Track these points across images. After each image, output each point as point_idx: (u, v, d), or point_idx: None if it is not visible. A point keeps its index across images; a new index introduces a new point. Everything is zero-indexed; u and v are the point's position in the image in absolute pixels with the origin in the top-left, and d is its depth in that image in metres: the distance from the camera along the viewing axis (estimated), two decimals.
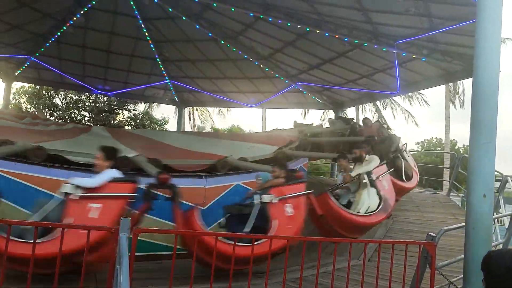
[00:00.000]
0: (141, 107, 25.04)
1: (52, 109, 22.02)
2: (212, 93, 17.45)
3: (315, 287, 4.30)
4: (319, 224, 7.15)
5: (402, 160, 9.53)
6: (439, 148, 37.96)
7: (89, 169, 6.02)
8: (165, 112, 49.72)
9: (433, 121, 69.03)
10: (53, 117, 21.87)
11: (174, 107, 23.77)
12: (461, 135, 59.97)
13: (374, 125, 11.11)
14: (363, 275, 4.47)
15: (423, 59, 10.33)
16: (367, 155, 7.99)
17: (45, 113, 21.90)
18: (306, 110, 26.55)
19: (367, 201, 7.33)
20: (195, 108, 28.49)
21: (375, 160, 7.84)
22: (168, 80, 16.76)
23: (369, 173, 7.45)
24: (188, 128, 30.66)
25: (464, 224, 4.39)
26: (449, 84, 25.52)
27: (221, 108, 29.41)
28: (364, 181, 7.39)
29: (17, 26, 12.63)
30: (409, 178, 9.52)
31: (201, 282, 5.13)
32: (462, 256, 4.42)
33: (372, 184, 7.42)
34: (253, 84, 15.97)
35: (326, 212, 6.89)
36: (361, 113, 26.86)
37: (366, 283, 4.69)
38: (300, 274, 4.34)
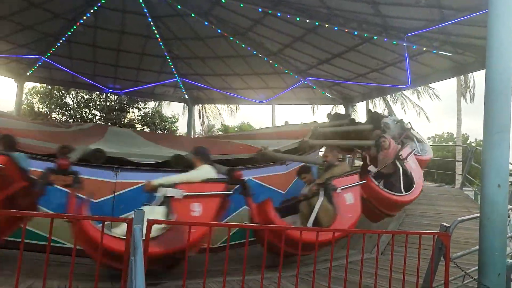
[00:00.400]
0: (151, 105, 25.12)
1: (64, 108, 22.18)
2: (221, 90, 17.46)
3: (329, 280, 4.29)
4: None
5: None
6: (450, 143, 37.58)
7: None
8: (175, 110, 49.98)
9: (444, 117, 68.46)
10: (65, 117, 22.06)
11: (183, 104, 23.92)
12: (472, 129, 59.47)
13: (393, 147, 8.47)
14: (377, 268, 4.45)
15: (434, 51, 10.23)
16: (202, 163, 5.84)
17: (57, 113, 22.12)
18: (315, 105, 26.51)
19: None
20: (204, 105, 28.58)
21: (198, 172, 5.70)
22: (177, 78, 16.81)
23: (170, 186, 5.38)
24: (198, 125, 30.81)
25: (478, 215, 4.36)
26: (461, 77, 25.33)
27: (230, 105, 29.52)
28: (157, 194, 5.43)
29: (29, 27, 12.72)
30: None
31: (214, 275, 5.16)
32: (477, 247, 4.39)
33: (164, 202, 5.32)
34: (263, 80, 15.95)
35: None
36: (371, 108, 26.69)
37: (380, 276, 4.68)
38: (314, 267, 4.34)
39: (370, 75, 13.14)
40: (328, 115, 13.93)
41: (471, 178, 12.61)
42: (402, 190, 7.80)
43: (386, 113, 12.26)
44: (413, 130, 10.20)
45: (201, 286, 3.92)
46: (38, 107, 22.15)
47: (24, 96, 20.05)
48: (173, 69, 16.07)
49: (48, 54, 14.52)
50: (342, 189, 6.46)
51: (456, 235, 6.78)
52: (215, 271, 5.18)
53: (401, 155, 8.05)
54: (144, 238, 3.11)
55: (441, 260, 4.45)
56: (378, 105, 26.90)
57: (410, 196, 7.92)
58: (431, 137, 43.02)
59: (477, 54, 9.66)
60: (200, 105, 26.53)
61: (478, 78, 26.81)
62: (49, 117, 21.68)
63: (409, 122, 10.11)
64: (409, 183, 7.99)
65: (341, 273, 5.25)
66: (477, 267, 4.37)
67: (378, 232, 4.64)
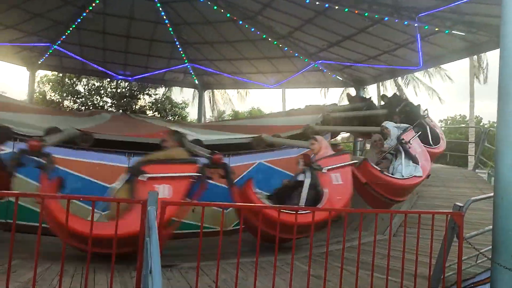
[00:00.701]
0: (162, 91, 25.14)
1: (75, 96, 22.30)
2: (231, 75, 17.43)
3: (341, 261, 4.31)
4: None
5: None
6: (463, 126, 37.18)
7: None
8: (186, 96, 49.97)
9: (457, 99, 67.60)
10: (77, 104, 22.21)
11: (194, 90, 23.91)
12: (486, 112, 58.67)
13: (323, 154, 6.93)
14: (389, 248, 4.45)
15: (447, 31, 10.06)
16: None
17: (69, 100, 22.27)
18: (326, 88, 26.38)
19: None
20: (215, 91, 28.58)
21: None
22: (187, 64, 16.80)
23: None
24: (208, 111, 30.82)
25: (492, 194, 4.32)
26: (473, 58, 24.95)
27: (240, 90, 29.49)
28: None
29: (39, 15, 12.78)
30: None
31: (228, 257, 5.22)
32: (491, 227, 4.37)
33: None
34: (273, 64, 15.88)
35: None
36: (382, 91, 26.49)
37: (392, 257, 4.68)
38: (326, 249, 4.36)
39: (381, 57, 13.00)
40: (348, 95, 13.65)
41: (485, 160, 12.47)
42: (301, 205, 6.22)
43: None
44: (411, 145, 8.10)
45: (215, 267, 3.96)
46: (50, 95, 22.30)
47: (36, 84, 20.20)
48: (183, 55, 16.07)
49: (59, 42, 14.59)
50: (151, 177, 5.34)
51: (469, 216, 6.75)
52: (229, 253, 5.24)
53: (317, 164, 6.49)
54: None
55: (454, 240, 4.44)
56: (389, 88, 26.68)
57: (304, 217, 5.33)
58: (443, 120, 42.56)
59: (491, 33, 9.48)
60: (210, 90, 26.57)
61: (492, 58, 26.45)
62: (61, 105, 21.84)
63: (413, 134, 8.38)
64: (315, 200, 6.29)
65: (353, 254, 5.27)
66: (490, 247, 4.36)
67: (390, 212, 4.59)
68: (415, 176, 7.75)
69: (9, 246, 3.08)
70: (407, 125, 8.62)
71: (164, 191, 5.20)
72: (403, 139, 7.99)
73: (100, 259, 4.87)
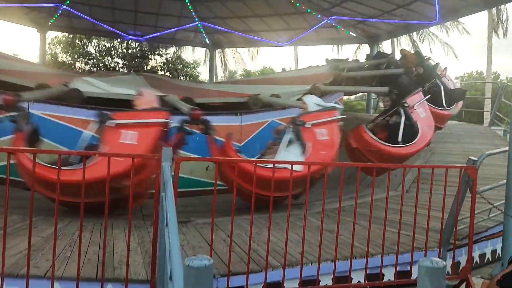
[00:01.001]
0: (172, 51, 24.97)
1: (87, 57, 22.29)
2: (242, 33, 17.12)
3: (354, 215, 4.36)
4: None
5: None
6: (480, 81, 36.38)
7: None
8: (197, 56, 49.56)
9: (474, 54, 65.87)
10: (88, 66, 22.22)
11: (205, 50, 23.68)
12: (504, 68, 57.18)
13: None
14: (402, 203, 4.47)
15: None
16: None
17: (80, 62, 22.28)
18: (339, 45, 25.88)
19: None
20: (226, 51, 28.26)
21: None
22: (198, 22, 16.52)
23: None
24: (220, 71, 30.59)
25: (506, 149, 4.29)
26: (493, 11, 24.11)
27: (251, 49, 29.09)
28: None
29: None
30: None
31: (242, 213, 5.32)
32: (504, 181, 4.36)
33: None
34: (284, 21, 15.54)
35: None
36: (396, 48, 25.90)
37: (405, 212, 4.72)
38: (339, 204, 4.40)
39: (396, 11, 12.57)
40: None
41: (501, 116, 12.23)
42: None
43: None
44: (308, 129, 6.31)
45: (229, 223, 4.04)
46: (61, 57, 22.31)
47: (47, 46, 20.18)
48: (193, 13, 15.76)
49: (68, 2, 14.41)
50: None
51: (484, 171, 6.74)
52: (243, 210, 5.33)
53: (108, 115, 5.30)
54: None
55: (467, 196, 4.44)
56: (404, 44, 26.08)
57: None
58: (459, 77, 41.72)
59: None
60: (221, 50, 26.28)
61: None
62: (73, 66, 21.87)
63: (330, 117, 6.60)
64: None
65: (366, 210, 5.32)
66: (503, 201, 4.36)
67: (403, 167, 4.56)
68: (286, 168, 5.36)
69: (30, 203, 3.16)
70: (330, 105, 7.06)
71: None
72: (300, 120, 6.32)
73: (118, 215, 5.02)
